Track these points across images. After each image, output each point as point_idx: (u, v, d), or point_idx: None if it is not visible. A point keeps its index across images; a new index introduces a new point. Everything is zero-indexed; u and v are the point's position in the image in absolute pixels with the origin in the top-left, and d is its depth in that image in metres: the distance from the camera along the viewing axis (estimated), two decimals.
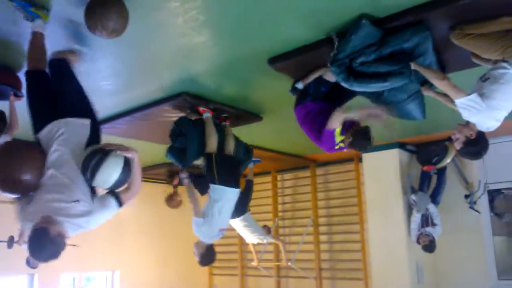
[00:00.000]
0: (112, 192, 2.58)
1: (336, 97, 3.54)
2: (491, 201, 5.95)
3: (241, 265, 7.99)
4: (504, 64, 2.76)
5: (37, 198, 2.44)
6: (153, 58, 3.45)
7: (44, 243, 2.27)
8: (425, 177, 5.80)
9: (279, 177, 7.98)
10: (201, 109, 4.28)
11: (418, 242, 5.58)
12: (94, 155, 2.45)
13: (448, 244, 5.89)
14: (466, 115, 2.82)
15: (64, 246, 2.37)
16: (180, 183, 5.25)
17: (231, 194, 4.17)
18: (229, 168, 4.24)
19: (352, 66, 3.06)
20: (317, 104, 3.51)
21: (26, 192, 2.52)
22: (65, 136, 2.56)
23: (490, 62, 2.97)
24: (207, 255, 4.32)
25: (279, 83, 3.86)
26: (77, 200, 2.43)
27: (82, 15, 2.56)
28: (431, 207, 5.64)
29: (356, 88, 3.13)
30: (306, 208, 7.40)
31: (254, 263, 6.97)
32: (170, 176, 5.91)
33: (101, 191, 2.62)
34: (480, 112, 2.75)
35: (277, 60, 3.44)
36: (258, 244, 6.77)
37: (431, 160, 5.64)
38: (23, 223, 2.45)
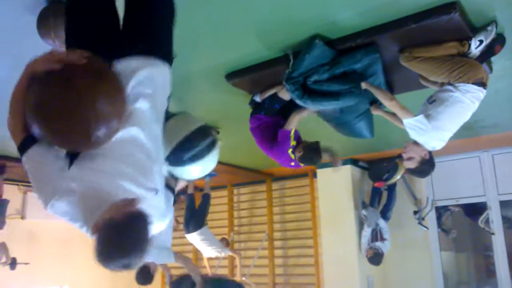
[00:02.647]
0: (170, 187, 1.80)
1: (290, 113, 3.61)
2: (439, 218, 6.16)
3: None
4: (450, 87, 2.87)
5: (95, 160, 1.49)
6: None
7: (137, 234, 1.40)
8: (376, 193, 5.94)
9: (235, 191, 7.97)
10: None
11: (366, 256, 5.70)
12: (206, 135, 1.84)
13: (398, 259, 6.04)
14: (413, 135, 2.92)
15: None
16: None
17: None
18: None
19: (306, 84, 3.13)
20: (270, 118, 3.58)
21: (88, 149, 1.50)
22: (153, 86, 1.68)
23: (437, 84, 3.09)
24: (140, 273, 4.25)
25: (237, 98, 3.89)
26: (156, 190, 1.59)
27: (35, 21, 2.50)
28: (381, 222, 5.77)
29: (310, 105, 3.20)
30: (262, 222, 7.42)
31: None
32: None
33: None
34: (426, 133, 2.85)
35: (234, 76, 3.46)
36: (213, 258, 6.72)
37: (382, 177, 5.78)
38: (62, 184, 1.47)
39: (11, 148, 5.28)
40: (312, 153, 3.44)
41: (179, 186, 2.08)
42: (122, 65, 1.58)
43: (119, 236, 1.35)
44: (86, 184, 1.44)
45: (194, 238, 5.87)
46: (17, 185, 6.63)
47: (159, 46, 1.77)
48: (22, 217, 6.77)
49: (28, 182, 5.46)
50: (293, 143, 3.47)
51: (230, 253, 6.54)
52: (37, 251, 6.92)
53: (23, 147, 1.48)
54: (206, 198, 5.95)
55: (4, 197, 5.89)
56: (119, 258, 1.34)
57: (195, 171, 1.84)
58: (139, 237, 1.39)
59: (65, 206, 1.46)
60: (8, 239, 5.93)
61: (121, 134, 1.49)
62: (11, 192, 6.45)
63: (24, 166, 1.49)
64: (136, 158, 1.54)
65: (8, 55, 3.10)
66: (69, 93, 1.36)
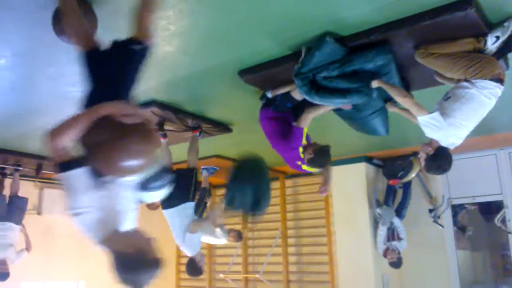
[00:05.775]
0: None
1: (300, 110, 3.61)
2: (454, 216, 6.09)
3: (209, 277, 7.92)
4: (466, 84, 2.83)
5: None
6: None
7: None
8: (390, 191, 5.90)
9: None
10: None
11: (384, 255, 5.66)
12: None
13: (413, 258, 5.98)
14: (428, 132, 2.89)
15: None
16: None
17: (167, 215, 4.26)
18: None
19: (316, 79, 3.11)
20: (279, 114, 3.58)
21: None
22: None
23: (453, 81, 3.05)
24: (188, 266, 4.48)
25: (249, 95, 3.89)
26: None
27: (50, 18, 2.52)
28: (396, 221, 5.73)
29: (318, 101, 3.19)
30: (275, 219, 7.41)
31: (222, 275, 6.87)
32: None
33: None
34: (441, 130, 2.82)
35: (247, 73, 3.46)
36: (226, 256, 6.67)
37: (397, 174, 5.74)
38: None
39: (27, 145, 5.37)
40: (322, 157, 3.46)
41: None
42: None
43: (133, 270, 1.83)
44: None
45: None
46: (33, 181, 6.73)
47: None
48: (39, 213, 6.87)
49: (44, 178, 5.55)
50: (304, 142, 3.46)
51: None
52: (53, 246, 7.01)
53: (67, 166, 1.83)
54: (202, 193, 5.88)
55: (20, 193, 5.97)
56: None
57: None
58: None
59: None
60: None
61: None
62: (27, 189, 6.54)
63: (63, 180, 1.83)
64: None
65: (24, 52, 3.13)
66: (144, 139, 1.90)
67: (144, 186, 2.64)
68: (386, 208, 5.73)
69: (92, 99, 2.03)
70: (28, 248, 5.94)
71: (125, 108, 1.93)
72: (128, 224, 1.97)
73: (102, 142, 1.81)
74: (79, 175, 1.82)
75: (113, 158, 1.82)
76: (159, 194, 2.72)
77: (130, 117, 1.87)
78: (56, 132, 1.82)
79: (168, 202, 4.22)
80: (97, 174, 1.88)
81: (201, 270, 4.46)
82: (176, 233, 4.37)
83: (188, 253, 4.40)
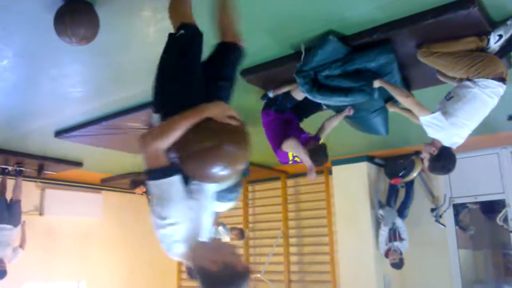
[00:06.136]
0: None
1: (302, 109, 3.61)
2: (456, 215, 6.08)
3: None
4: (468, 83, 2.82)
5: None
6: (124, 66, 3.41)
7: None
8: (392, 191, 5.89)
9: (249, 188, 7.97)
10: None
11: (386, 256, 5.64)
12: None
13: (415, 257, 5.97)
14: (430, 132, 2.88)
15: None
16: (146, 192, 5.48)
17: None
18: None
19: (317, 78, 3.11)
20: (280, 114, 3.58)
21: None
22: None
23: (455, 80, 3.04)
24: None
25: (251, 96, 3.88)
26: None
27: (52, 19, 2.51)
28: (398, 222, 5.71)
29: (319, 100, 3.20)
30: (277, 219, 7.41)
31: None
32: (133, 185, 5.99)
33: None
34: (443, 130, 2.81)
35: (249, 72, 3.46)
36: None
37: (399, 174, 5.73)
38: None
39: (28, 145, 5.36)
40: (317, 156, 3.48)
41: None
42: None
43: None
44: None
45: None
46: (35, 181, 6.72)
47: None
48: (40, 214, 6.87)
49: (46, 179, 5.53)
50: (291, 159, 3.53)
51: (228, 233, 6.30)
52: (55, 247, 7.01)
53: (161, 173, 1.65)
54: None
55: (21, 193, 5.96)
56: None
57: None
58: None
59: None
60: (27, 235, 6.02)
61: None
62: (29, 189, 6.53)
63: (155, 187, 1.66)
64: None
65: (26, 53, 3.12)
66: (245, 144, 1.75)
67: (219, 196, 2.57)
68: (389, 209, 5.72)
69: (188, 99, 1.84)
70: (22, 245, 5.95)
71: (228, 109, 1.76)
72: (205, 234, 1.83)
73: (203, 146, 1.66)
74: (174, 183, 1.66)
75: (213, 163, 1.67)
76: (228, 206, 2.65)
77: (233, 119, 1.73)
78: (155, 135, 1.68)
79: None
80: (185, 182, 1.73)
81: None
82: None
83: None
